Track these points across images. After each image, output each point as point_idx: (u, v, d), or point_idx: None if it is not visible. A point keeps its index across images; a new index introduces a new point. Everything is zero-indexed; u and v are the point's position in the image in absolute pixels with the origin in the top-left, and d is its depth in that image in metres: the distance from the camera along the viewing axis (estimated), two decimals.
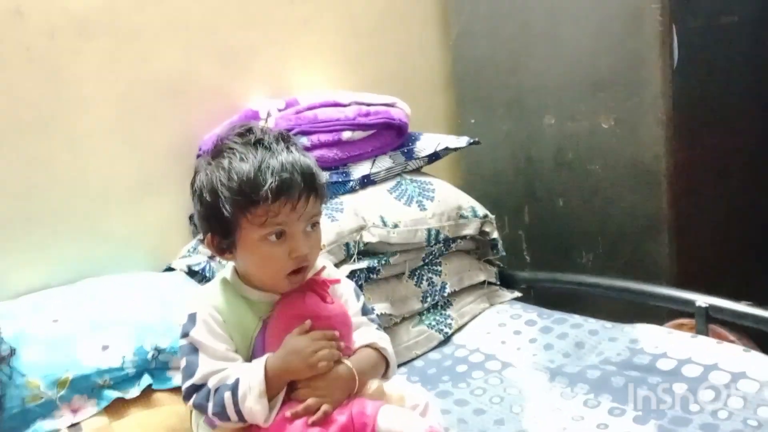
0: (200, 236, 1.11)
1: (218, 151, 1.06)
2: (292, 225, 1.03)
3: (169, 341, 1.32)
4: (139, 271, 1.67)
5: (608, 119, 1.82)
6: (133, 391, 1.28)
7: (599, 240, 1.96)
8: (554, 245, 2.08)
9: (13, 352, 1.20)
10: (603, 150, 1.87)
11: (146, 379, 1.30)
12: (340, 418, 1.00)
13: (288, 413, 1.00)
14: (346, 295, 1.17)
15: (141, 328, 1.34)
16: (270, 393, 1.00)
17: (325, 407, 1.00)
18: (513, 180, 2.13)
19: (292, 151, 1.05)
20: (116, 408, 1.26)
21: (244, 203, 1.01)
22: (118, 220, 1.69)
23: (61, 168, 1.58)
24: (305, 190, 1.03)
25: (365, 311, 1.18)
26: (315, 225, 1.07)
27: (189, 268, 1.65)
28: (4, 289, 1.48)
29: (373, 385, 1.06)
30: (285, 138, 1.07)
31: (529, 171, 2.08)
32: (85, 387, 1.24)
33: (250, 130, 1.07)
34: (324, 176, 1.10)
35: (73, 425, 1.22)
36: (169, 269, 1.70)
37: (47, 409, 1.21)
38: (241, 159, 1.03)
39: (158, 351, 1.32)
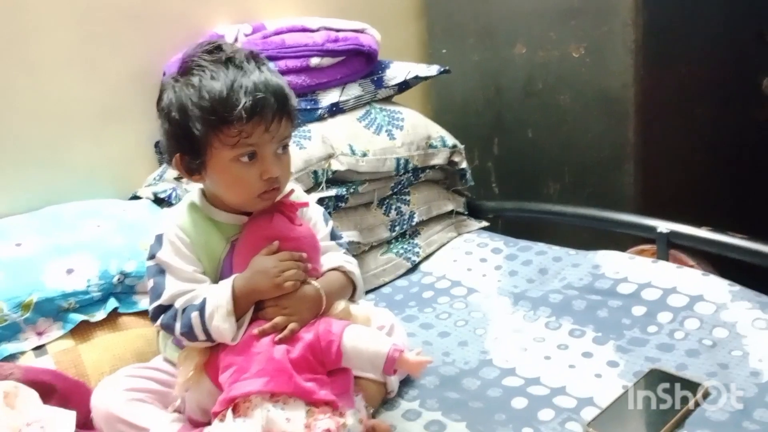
0: (167, 158, 1.08)
1: (186, 68, 1.04)
2: (264, 146, 1.03)
3: (134, 265, 1.32)
4: (103, 198, 1.65)
5: (578, 48, 1.82)
6: (99, 315, 1.28)
7: (566, 170, 1.98)
8: (522, 176, 2.09)
9: None
10: (572, 80, 1.86)
11: (112, 303, 1.30)
12: (307, 335, 1.02)
13: (255, 330, 1.01)
14: (315, 219, 1.17)
15: (106, 253, 1.33)
16: (237, 312, 1.02)
17: (292, 325, 1.01)
18: (483, 110, 2.13)
19: (263, 71, 1.03)
20: (82, 331, 1.26)
21: (216, 123, 1.00)
22: (81, 149, 1.66)
23: (20, 95, 1.55)
24: (278, 111, 1.02)
25: (334, 236, 1.19)
26: (285, 147, 1.07)
27: (155, 195, 1.64)
28: None
29: (340, 305, 1.07)
30: (255, 57, 1.06)
31: (498, 101, 2.08)
32: (49, 310, 1.24)
33: (219, 48, 1.05)
34: (295, 98, 1.08)
35: (38, 347, 1.22)
36: (135, 197, 1.69)
37: (12, 331, 1.21)
38: (212, 77, 1.01)
39: (124, 275, 1.32)
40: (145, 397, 1.09)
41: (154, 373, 1.14)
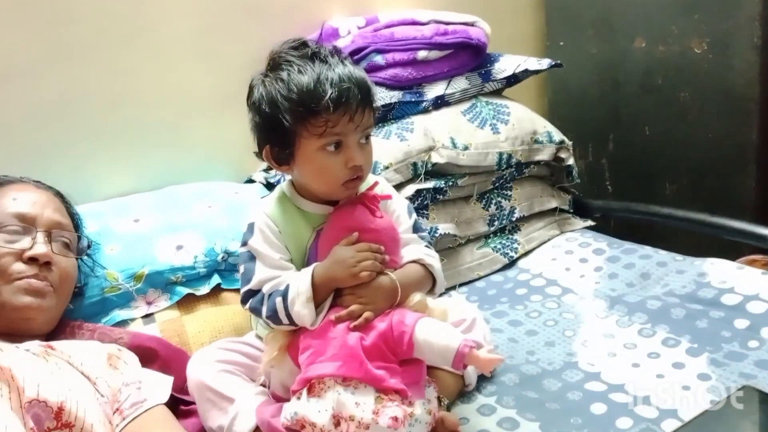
0: (257, 150, 1.15)
1: (275, 64, 1.10)
2: (349, 135, 1.07)
3: (238, 245, 1.39)
4: (221, 180, 1.76)
5: (700, 43, 1.73)
6: (203, 289, 1.38)
7: (684, 171, 1.90)
8: (637, 175, 2.03)
9: (90, 245, 1.30)
10: (693, 75, 1.79)
11: (216, 279, 1.39)
12: (381, 325, 1.05)
13: (333, 317, 1.06)
14: (398, 212, 1.20)
15: (213, 233, 1.43)
16: (317, 299, 1.07)
17: (367, 314, 1.05)
18: (598, 105, 2.08)
19: (347, 65, 1.08)
20: (187, 303, 1.36)
21: (304, 114, 1.05)
22: (200, 132, 1.77)
23: (145, 80, 1.66)
24: (362, 101, 1.07)
25: (416, 229, 1.21)
26: (368, 138, 1.11)
27: (267, 180, 1.74)
28: (96, 193, 1.59)
29: (416, 297, 1.10)
30: (338, 52, 1.11)
31: (615, 96, 2.03)
32: (159, 282, 1.35)
33: (304, 44, 1.11)
34: (376, 91, 1.12)
35: (146, 315, 1.33)
36: (250, 181, 1.79)
37: (124, 299, 1.32)
38: (299, 71, 1.07)
39: (228, 254, 1.41)
40: (234, 369, 1.17)
41: (245, 348, 1.21)
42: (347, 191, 1.11)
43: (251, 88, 1.12)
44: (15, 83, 1.50)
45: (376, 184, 1.16)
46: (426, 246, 1.19)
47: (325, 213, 1.14)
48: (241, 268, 1.14)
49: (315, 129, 1.06)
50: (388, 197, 1.18)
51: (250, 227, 1.13)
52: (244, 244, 1.14)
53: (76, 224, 1.29)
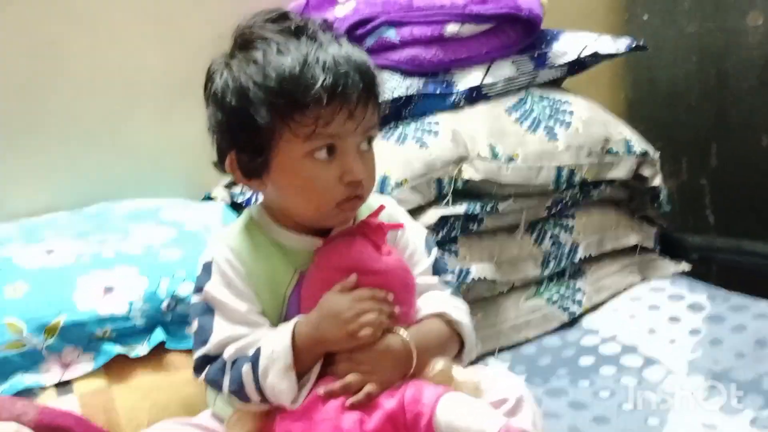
0: (218, 157, 1.15)
1: (245, 42, 1.10)
2: (346, 138, 1.07)
3: (191, 288, 1.39)
4: (170, 196, 1.77)
5: None
6: (141, 349, 1.37)
7: None
8: (751, 200, 2.03)
9: None
10: None
11: (158, 335, 1.38)
12: (388, 403, 1.04)
13: (322, 391, 1.05)
14: (413, 246, 1.20)
15: (157, 269, 1.42)
16: (300, 367, 1.06)
17: (369, 387, 1.04)
18: (698, 105, 2.10)
19: (342, 44, 1.08)
20: (118, 368, 1.35)
21: (286, 108, 1.05)
22: (146, 129, 1.80)
23: (74, 57, 1.68)
24: (364, 92, 1.06)
25: (438, 270, 1.21)
26: (370, 142, 1.11)
27: (232, 198, 1.74)
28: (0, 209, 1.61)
29: (438, 365, 1.09)
30: (331, 28, 1.11)
31: (722, 92, 2.05)
32: (79, 337, 1.34)
33: (285, 16, 1.11)
34: (382, 81, 1.12)
35: (61, 384, 1.32)
36: (208, 198, 1.79)
37: (31, 360, 1.31)
38: (279, 51, 1.06)
39: (176, 300, 1.41)
40: None
41: None
42: (342, 215, 1.11)
43: (210, 74, 1.12)
44: None
45: (382, 208, 1.15)
46: (452, 294, 1.19)
47: (311, 248, 1.13)
48: (195, 324, 1.14)
49: (301, 129, 1.05)
50: (399, 226, 1.18)
51: (207, 267, 1.13)
52: (199, 290, 1.14)
53: None
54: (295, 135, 1.06)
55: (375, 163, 1.13)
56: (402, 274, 1.13)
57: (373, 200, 1.18)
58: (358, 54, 1.09)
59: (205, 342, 1.10)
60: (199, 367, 1.12)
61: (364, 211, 1.15)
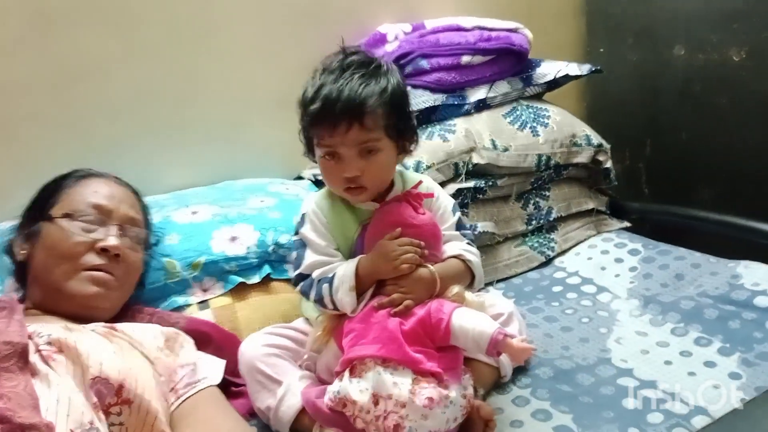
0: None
1: (317, 68, 1.12)
2: (340, 148, 1.08)
3: (287, 238, 1.42)
4: (274, 177, 1.79)
5: (739, 52, 1.69)
6: (254, 278, 1.39)
7: (721, 176, 1.86)
8: (674, 180, 2.00)
9: (158, 242, 1.34)
10: (731, 83, 1.75)
11: (266, 269, 1.41)
12: (419, 311, 1.06)
13: (375, 303, 1.08)
14: (443, 209, 1.21)
15: (265, 225, 1.44)
16: (359, 288, 1.09)
17: (407, 302, 1.07)
18: (637, 111, 2.05)
19: (353, 79, 1.05)
20: (239, 291, 1.38)
21: (306, 122, 1.09)
22: (257, 130, 1.79)
23: (210, 80, 1.69)
24: (345, 118, 1.04)
25: (460, 226, 1.22)
26: (372, 151, 1.09)
27: (314, 177, 1.75)
28: (159, 185, 1.61)
29: (454, 289, 1.11)
30: (365, 65, 1.09)
31: (654, 102, 2.00)
32: (214, 271, 1.37)
33: (342, 52, 1.11)
34: (380, 108, 1.07)
35: (202, 302, 1.35)
36: (299, 178, 1.81)
37: (182, 286, 1.35)
38: (317, 79, 1.08)
39: (278, 246, 1.43)
40: (282, 353, 1.18)
41: (293, 333, 1.22)
42: (351, 197, 1.12)
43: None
44: (89, 81, 1.54)
45: (420, 182, 1.17)
46: (468, 243, 1.19)
47: (371, 209, 1.15)
48: (294, 254, 1.17)
49: (315, 138, 1.09)
50: (431, 195, 1.19)
51: (302, 217, 1.17)
52: (296, 232, 1.17)
53: (147, 221, 1.31)
54: (316, 142, 1.09)
55: (381, 164, 1.10)
56: (432, 228, 1.15)
57: (416, 176, 1.19)
58: (365, 90, 1.05)
59: (300, 265, 1.14)
60: (296, 282, 1.16)
61: (408, 185, 1.16)
